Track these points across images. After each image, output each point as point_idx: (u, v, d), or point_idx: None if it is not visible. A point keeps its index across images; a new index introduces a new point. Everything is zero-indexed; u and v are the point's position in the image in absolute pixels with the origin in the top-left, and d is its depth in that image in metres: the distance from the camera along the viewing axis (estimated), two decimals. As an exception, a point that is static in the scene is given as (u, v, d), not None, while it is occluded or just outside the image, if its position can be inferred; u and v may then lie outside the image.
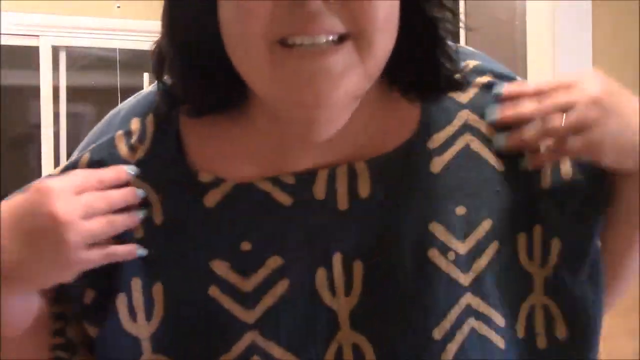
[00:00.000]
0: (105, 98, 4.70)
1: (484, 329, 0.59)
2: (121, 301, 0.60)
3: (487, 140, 0.62)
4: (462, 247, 0.59)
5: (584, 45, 2.23)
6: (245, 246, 0.60)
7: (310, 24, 0.51)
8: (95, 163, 0.63)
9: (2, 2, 3.93)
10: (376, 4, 0.52)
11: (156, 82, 0.62)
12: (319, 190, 0.59)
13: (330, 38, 0.52)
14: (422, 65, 0.60)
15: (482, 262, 0.60)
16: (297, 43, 0.52)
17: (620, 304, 0.69)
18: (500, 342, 0.59)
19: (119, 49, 4.51)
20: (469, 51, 0.69)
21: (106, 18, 4.37)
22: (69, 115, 4.61)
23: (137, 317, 0.60)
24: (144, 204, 0.61)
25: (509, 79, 0.66)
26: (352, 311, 0.59)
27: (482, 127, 0.63)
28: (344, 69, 0.53)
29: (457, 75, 0.62)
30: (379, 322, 0.58)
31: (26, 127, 4.76)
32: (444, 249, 0.59)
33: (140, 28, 4.52)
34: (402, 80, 0.61)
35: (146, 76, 3.81)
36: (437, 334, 0.58)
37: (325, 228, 0.59)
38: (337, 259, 0.59)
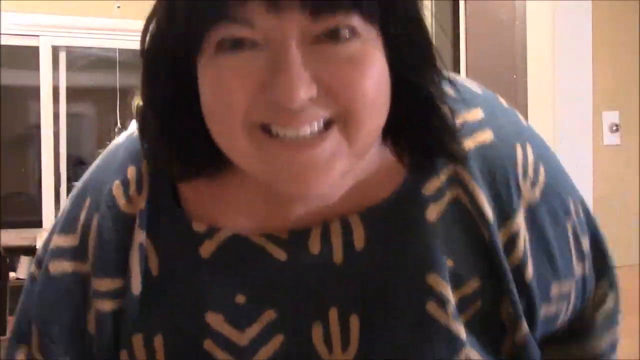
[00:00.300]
0: (105, 98, 4.70)
1: None
2: (124, 358, 0.60)
3: (476, 204, 0.58)
4: (453, 300, 0.58)
5: (584, 45, 2.23)
6: (240, 299, 0.58)
7: (294, 119, 0.49)
8: (101, 223, 0.61)
9: (2, 2, 3.93)
10: (363, 86, 0.49)
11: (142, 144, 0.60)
12: (314, 244, 0.58)
13: (316, 128, 0.50)
14: (414, 133, 0.57)
15: (466, 316, 0.59)
16: (280, 134, 0.50)
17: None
18: None
19: (119, 49, 4.51)
20: (479, 96, 0.63)
21: (106, 18, 4.37)
22: (69, 115, 4.61)
23: None
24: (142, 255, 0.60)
25: (512, 141, 0.61)
26: None
27: (474, 188, 0.59)
28: (331, 157, 0.50)
29: (451, 147, 0.58)
30: None
31: (26, 127, 4.76)
32: (443, 302, 0.57)
33: (140, 28, 4.50)
34: (394, 142, 0.58)
35: (146, 76, 3.80)
36: None
37: (320, 282, 0.58)
38: (333, 314, 0.58)
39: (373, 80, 0.50)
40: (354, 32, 0.49)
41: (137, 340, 0.59)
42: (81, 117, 4.97)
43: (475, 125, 0.60)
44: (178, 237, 0.60)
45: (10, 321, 3.10)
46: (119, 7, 4.25)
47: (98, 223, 0.61)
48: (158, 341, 0.59)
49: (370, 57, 0.50)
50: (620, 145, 2.26)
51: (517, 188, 0.60)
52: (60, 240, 0.63)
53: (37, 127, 4.44)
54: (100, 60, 4.75)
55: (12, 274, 3.85)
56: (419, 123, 0.56)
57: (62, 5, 4.33)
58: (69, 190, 4.49)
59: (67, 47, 4.55)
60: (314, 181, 0.51)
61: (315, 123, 0.50)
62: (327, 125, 0.50)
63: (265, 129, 0.50)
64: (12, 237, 3.94)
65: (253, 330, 0.58)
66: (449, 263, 0.58)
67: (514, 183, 0.60)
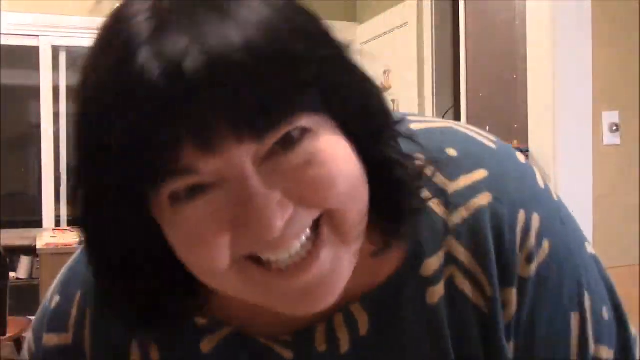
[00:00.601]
0: (105, 98, 4.70)
1: None
2: None
3: (470, 277, 0.54)
4: None
5: (584, 45, 2.23)
6: None
7: (281, 242, 0.45)
8: (96, 320, 0.58)
9: (2, 2, 3.93)
10: (334, 184, 0.46)
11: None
12: (320, 342, 0.56)
13: (304, 238, 0.46)
14: (382, 210, 0.52)
15: None
16: (271, 260, 0.46)
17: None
18: None
19: (119, 49, 4.51)
20: (489, 152, 0.57)
21: (106, 18, 4.37)
22: (69, 115, 4.61)
23: None
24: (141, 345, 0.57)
25: (516, 206, 0.55)
26: None
27: (466, 260, 0.54)
28: (332, 266, 0.47)
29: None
30: None
31: (26, 127, 4.76)
32: None
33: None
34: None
35: (146, 76, 3.80)
36: None
37: None
38: None
39: (341, 173, 0.46)
40: (303, 129, 0.45)
41: None
42: (81, 117, 4.97)
43: (473, 188, 0.55)
44: (178, 330, 0.57)
45: (10, 321, 3.10)
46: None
47: (92, 320, 0.58)
48: None
49: (329, 150, 0.46)
50: (620, 145, 2.26)
51: (514, 256, 0.54)
52: (53, 340, 0.60)
53: (37, 127, 4.44)
54: (100, 60, 4.75)
55: (12, 274, 3.85)
56: (386, 198, 0.51)
57: (62, 5, 4.33)
58: (69, 190, 4.49)
59: (67, 47, 4.55)
60: (322, 298, 0.48)
61: (303, 236, 0.46)
62: (314, 226, 0.47)
63: (253, 258, 0.47)
64: (12, 237, 3.94)
65: None
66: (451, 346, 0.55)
67: (511, 250, 0.54)
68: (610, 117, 2.25)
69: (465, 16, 2.98)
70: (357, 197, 0.48)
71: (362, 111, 0.50)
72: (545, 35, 2.27)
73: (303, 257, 0.46)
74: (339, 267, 0.48)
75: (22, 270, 4.17)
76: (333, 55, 0.47)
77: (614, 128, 2.25)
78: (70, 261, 0.62)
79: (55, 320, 0.60)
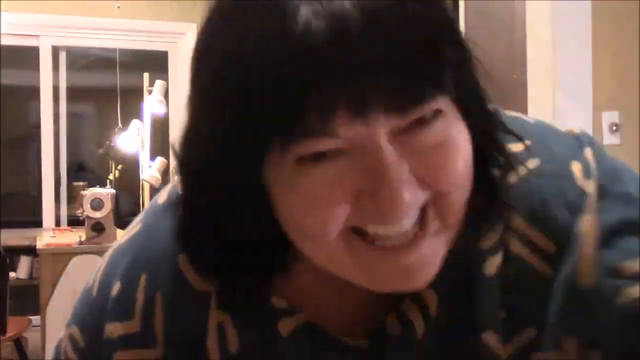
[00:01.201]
0: (105, 98, 4.70)
1: None
2: None
3: (526, 241, 0.54)
4: (504, 353, 0.55)
5: (584, 45, 2.23)
6: None
7: (397, 218, 0.46)
8: (169, 302, 0.57)
9: (2, 2, 3.93)
10: (455, 170, 0.47)
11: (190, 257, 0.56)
12: (394, 327, 0.55)
13: (414, 218, 0.47)
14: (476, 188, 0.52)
15: None
16: (379, 234, 0.47)
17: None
18: None
19: (119, 49, 4.51)
20: (529, 125, 0.60)
21: (106, 18, 4.37)
22: (69, 115, 4.61)
23: None
24: (219, 331, 0.56)
25: (566, 160, 0.56)
26: None
27: (521, 224, 0.54)
28: (433, 252, 0.48)
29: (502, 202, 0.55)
30: None
31: (26, 127, 4.77)
32: None
33: (140, 28, 4.51)
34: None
35: (146, 76, 3.81)
36: None
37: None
38: None
39: (462, 160, 0.47)
40: (437, 109, 0.46)
41: None
42: (81, 117, 4.97)
43: (519, 156, 0.56)
44: (256, 312, 0.56)
45: (10, 321, 3.09)
46: (119, 7, 4.25)
47: (164, 303, 0.57)
48: None
49: (458, 136, 0.47)
50: (620, 145, 2.26)
51: (575, 207, 0.53)
52: (118, 329, 0.57)
53: (37, 127, 4.45)
54: (100, 60, 4.76)
55: (12, 274, 3.86)
56: (482, 178, 0.52)
57: (62, 5, 4.33)
58: (69, 190, 4.50)
59: (67, 47, 4.55)
60: (419, 280, 0.49)
61: (415, 214, 0.47)
62: (422, 210, 0.47)
63: (358, 231, 0.47)
64: (12, 237, 3.94)
65: None
66: (499, 315, 0.55)
67: (570, 202, 0.54)
68: (610, 117, 2.25)
69: (465, 16, 2.98)
70: (467, 185, 0.49)
71: (479, 98, 0.52)
72: (545, 35, 2.27)
73: (410, 238, 0.47)
74: (438, 252, 0.49)
75: (22, 270, 4.18)
76: (461, 40, 0.48)
77: (614, 128, 2.25)
78: (120, 248, 0.60)
79: (120, 308, 0.57)
